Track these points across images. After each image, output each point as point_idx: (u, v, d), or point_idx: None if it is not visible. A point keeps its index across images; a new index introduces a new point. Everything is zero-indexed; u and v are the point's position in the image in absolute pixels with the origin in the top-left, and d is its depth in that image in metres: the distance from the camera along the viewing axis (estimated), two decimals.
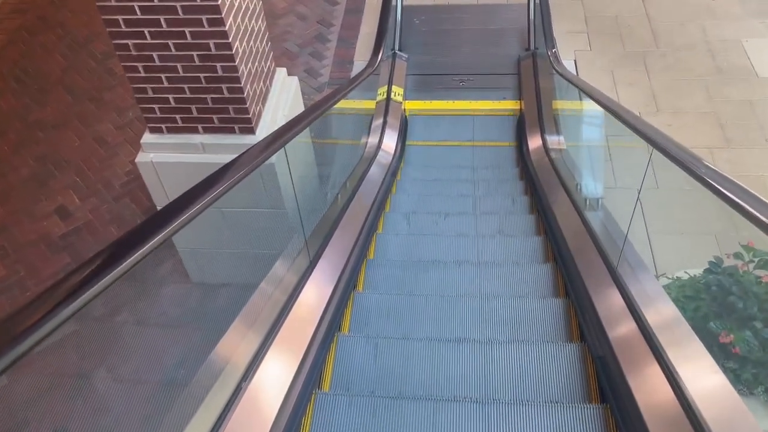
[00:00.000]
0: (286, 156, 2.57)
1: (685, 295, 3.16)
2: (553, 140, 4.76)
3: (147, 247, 1.42)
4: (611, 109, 2.93)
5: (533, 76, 5.88)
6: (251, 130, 3.85)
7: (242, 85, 3.61)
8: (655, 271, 3.76)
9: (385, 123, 5.14)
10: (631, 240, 2.65)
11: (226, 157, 2.22)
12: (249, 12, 3.68)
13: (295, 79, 4.46)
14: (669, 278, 3.46)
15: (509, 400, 2.34)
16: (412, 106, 6.08)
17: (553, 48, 4.94)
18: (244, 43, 3.62)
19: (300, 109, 4.51)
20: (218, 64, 3.52)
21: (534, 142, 4.89)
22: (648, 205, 2.58)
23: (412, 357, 2.61)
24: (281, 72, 4.33)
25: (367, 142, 4.78)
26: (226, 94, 3.66)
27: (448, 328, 2.85)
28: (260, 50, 3.95)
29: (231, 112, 3.75)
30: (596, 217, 3.36)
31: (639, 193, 2.45)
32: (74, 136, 6.04)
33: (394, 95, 5.78)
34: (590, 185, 3.74)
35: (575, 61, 6.40)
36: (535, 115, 5.32)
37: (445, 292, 3.21)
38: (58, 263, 5.03)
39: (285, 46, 6.85)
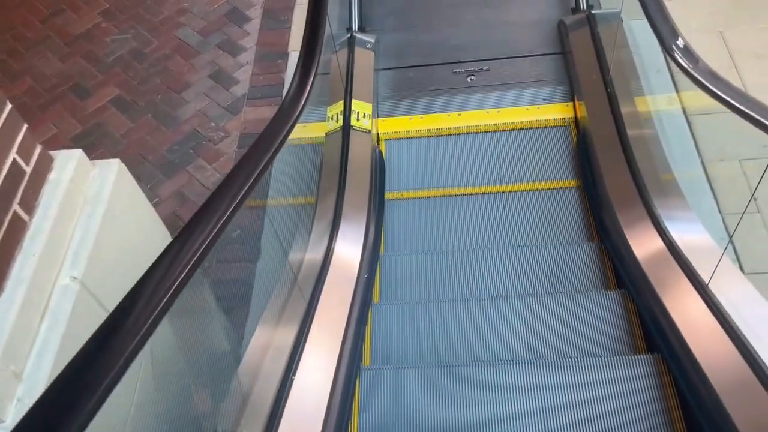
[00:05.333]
0: None
1: None
2: (684, 233, 2.27)
3: None
4: None
5: (596, 58, 3.35)
6: None
7: None
8: None
9: (340, 198, 2.65)
10: None
11: None
12: None
13: (112, 171, 1.94)
14: None
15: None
16: (388, 128, 3.58)
17: (664, 18, 2.35)
18: None
19: (136, 229, 2.03)
20: None
21: (637, 234, 2.37)
22: None
23: None
24: (68, 163, 1.82)
25: (298, 269, 2.30)
26: None
27: None
28: None
29: None
30: None
31: None
32: None
33: (356, 119, 3.27)
34: None
35: None
36: (615, 146, 2.82)
37: None
38: None
39: (177, 35, 4.26)
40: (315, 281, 2.25)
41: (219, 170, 3.52)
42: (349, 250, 2.42)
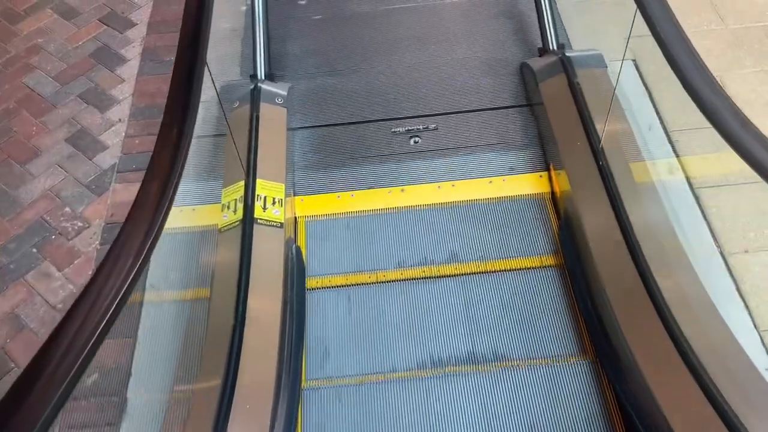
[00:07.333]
0: None
1: None
2: None
3: None
4: None
5: (578, 117, 2.55)
6: None
7: None
8: None
9: (232, 366, 1.73)
10: None
11: None
12: None
13: None
14: None
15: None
16: (309, 209, 2.68)
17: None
18: None
19: None
20: None
21: None
22: None
23: None
24: None
25: None
26: None
27: None
28: None
29: None
30: None
31: None
32: None
33: (263, 208, 2.36)
34: None
35: (635, 62, 3.11)
36: (632, 281, 1.98)
37: None
38: None
39: (26, 82, 3.22)
40: None
41: (72, 279, 2.52)
42: None
